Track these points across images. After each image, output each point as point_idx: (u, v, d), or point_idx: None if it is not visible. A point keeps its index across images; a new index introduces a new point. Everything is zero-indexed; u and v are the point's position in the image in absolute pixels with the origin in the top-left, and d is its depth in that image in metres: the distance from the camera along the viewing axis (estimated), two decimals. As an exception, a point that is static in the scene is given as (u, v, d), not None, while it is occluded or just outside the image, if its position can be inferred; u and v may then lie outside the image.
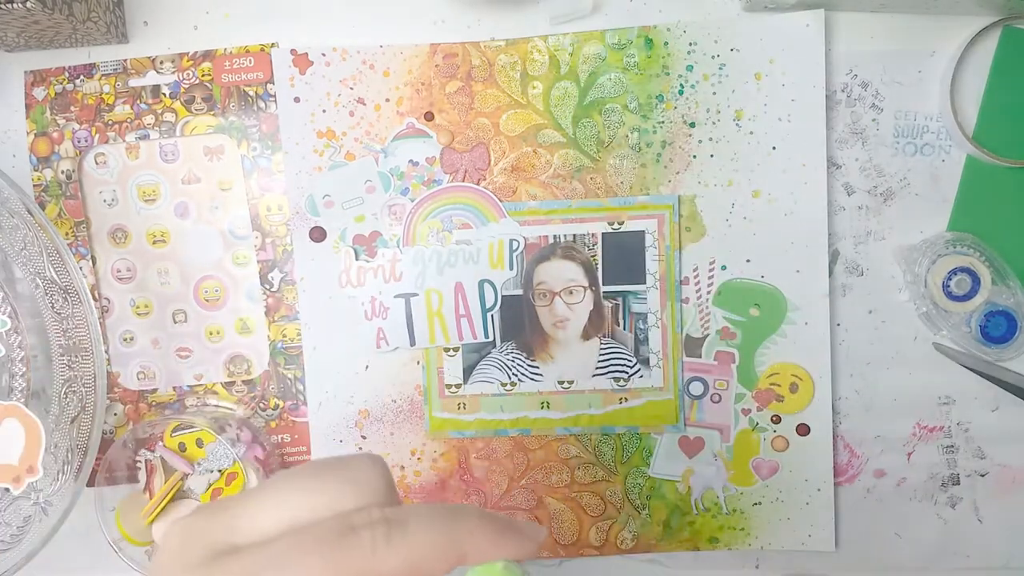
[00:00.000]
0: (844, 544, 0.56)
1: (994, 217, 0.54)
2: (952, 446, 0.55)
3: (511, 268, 0.55)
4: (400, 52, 0.54)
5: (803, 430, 0.55)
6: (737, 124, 0.53)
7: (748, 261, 0.54)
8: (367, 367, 0.56)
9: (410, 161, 0.55)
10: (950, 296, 0.53)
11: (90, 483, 0.52)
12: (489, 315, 0.55)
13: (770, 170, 0.53)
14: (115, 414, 0.57)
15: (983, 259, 0.53)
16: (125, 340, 0.57)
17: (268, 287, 0.56)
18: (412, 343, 0.55)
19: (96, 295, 0.56)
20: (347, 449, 0.56)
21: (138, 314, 0.57)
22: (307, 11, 0.55)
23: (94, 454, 0.49)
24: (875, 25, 0.53)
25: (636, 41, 0.53)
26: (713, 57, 0.53)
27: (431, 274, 0.55)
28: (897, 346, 0.55)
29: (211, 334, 0.57)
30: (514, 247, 0.55)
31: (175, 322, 0.57)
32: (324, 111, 0.54)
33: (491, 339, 0.55)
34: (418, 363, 0.56)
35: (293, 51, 0.54)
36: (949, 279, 0.53)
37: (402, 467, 0.56)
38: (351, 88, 0.54)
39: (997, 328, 0.53)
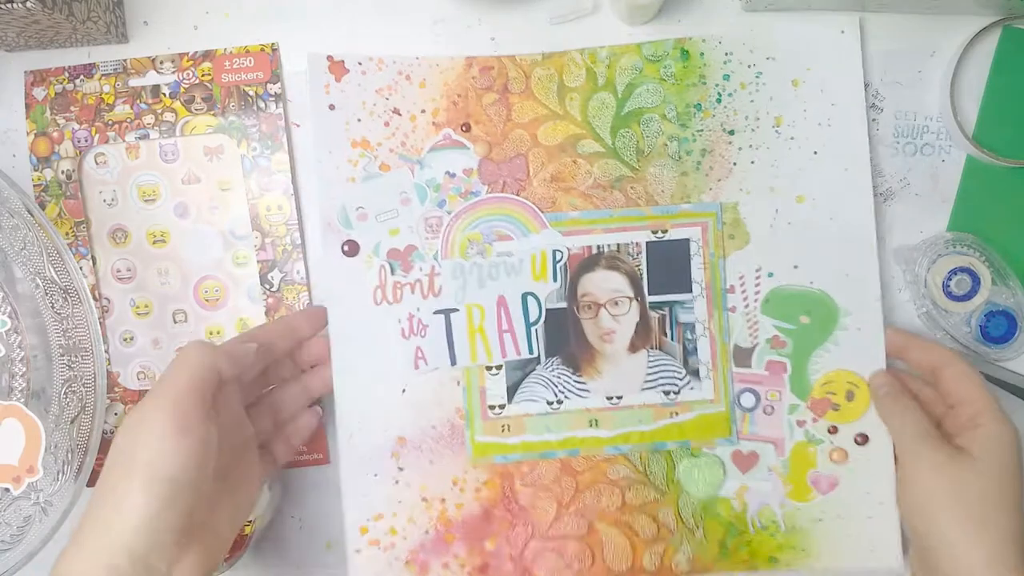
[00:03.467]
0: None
1: (994, 217, 0.54)
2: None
3: (555, 280, 0.53)
4: (436, 64, 0.53)
5: (861, 439, 0.53)
6: (776, 130, 0.53)
7: (795, 267, 0.53)
8: (404, 390, 0.52)
9: (447, 173, 0.53)
10: (950, 296, 0.53)
11: (91, 483, 0.48)
12: (533, 329, 0.53)
13: (812, 175, 0.53)
14: (115, 414, 0.55)
15: (983, 259, 0.53)
16: (125, 340, 0.56)
17: (268, 287, 0.55)
18: (453, 362, 0.52)
19: (96, 295, 0.55)
20: (382, 484, 0.51)
21: (138, 314, 0.56)
22: (307, 11, 0.54)
23: (94, 454, 0.48)
24: (875, 25, 0.54)
25: (672, 53, 0.53)
26: (749, 66, 0.53)
27: (472, 288, 0.52)
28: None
29: (211, 334, 0.56)
30: (558, 258, 0.53)
31: (175, 322, 0.56)
32: (359, 120, 0.52)
33: (535, 355, 0.53)
34: (458, 383, 0.52)
35: (330, 57, 0.52)
36: (949, 279, 0.53)
37: (443, 500, 0.52)
38: (387, 98, 0.53)
39: (997, 328, 0.53)
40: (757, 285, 0.54)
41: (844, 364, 0.53)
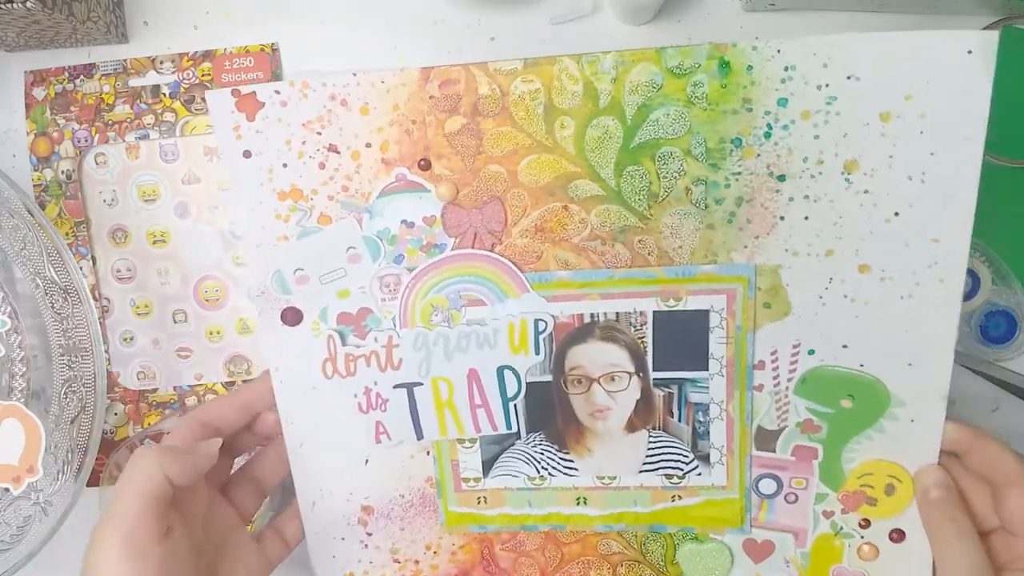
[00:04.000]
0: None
1: (994, 217, 0.51)
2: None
3: (537, 353, 0.43)
4: (380, 81, 0.40)
5: (897, 536, 0.45)
6: (847, 179, 0.38)
7: (845, 347, 0.42)
8: (367, 461, 0.46)
9: (403, 222, 0.42)
10: (950, 295, 0.52)
11: (90, 483, 0.51)
12: (512, 405, 0.45)
13: (886, 242, 0.39)
14: (115, 414, 0.56)
15: (983, 259, 0.51)
16: (125, 340, 0.56)
17: (268, 287, 0.53)
18: (419, 436, 0.45)
19: (96, 295, 0.55)
20: (349, 547, 0.48)
21: (138, 314, 0.55)
22: (307, 11, 0.52)
23: (94, 454, 0.49)
24: (875, 25, 0.50)
25: (706, 64, 0.37)
26: (819, 87, 0.37)
27: (437, 360, 0.44)
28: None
29: (211, 334, 0.55)
30: (540, 328, 0.43)
31: (175, 322, 0.55)
32: (285, 165, 0.41)
33: (514, 430, 0.45)
34: (428, 453, 0.46)
35: (235, 91, 0.39)
36: (949, 279, 0.51)
37: (416, 561, 0.49)
38: (318, 133, 0.40)
39: (997, 328, 0.52)
40: (793, 363, 0.42)
41: (887, 455, 0.43)
